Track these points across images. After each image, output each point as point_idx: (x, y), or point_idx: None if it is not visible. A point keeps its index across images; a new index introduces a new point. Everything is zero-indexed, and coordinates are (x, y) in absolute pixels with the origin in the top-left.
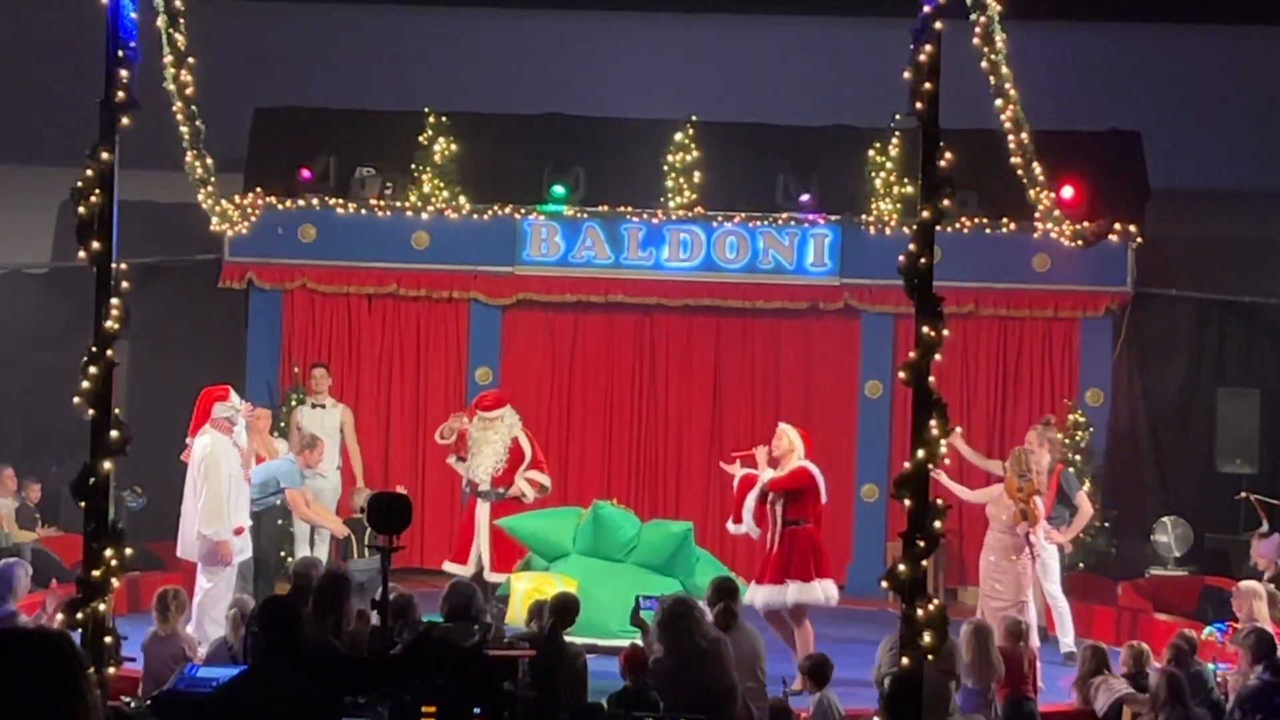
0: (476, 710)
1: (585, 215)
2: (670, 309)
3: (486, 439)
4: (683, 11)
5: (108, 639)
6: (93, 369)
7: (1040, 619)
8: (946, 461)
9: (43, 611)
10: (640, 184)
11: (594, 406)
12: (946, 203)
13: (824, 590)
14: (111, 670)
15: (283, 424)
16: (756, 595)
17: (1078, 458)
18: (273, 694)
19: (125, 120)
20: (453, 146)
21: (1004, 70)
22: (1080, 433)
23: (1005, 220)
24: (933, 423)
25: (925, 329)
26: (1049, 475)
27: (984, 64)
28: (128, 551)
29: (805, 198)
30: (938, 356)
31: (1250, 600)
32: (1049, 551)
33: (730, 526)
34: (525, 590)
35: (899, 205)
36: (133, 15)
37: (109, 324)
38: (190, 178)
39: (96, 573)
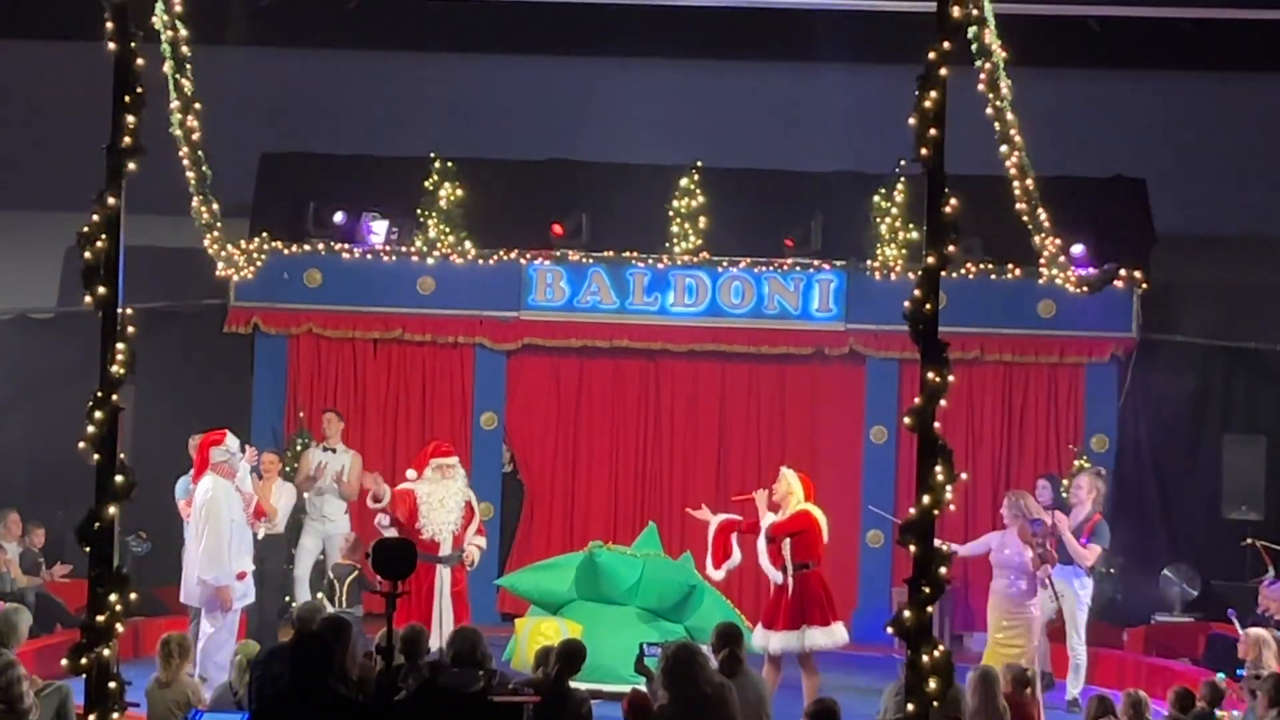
0: None
1: (590, 260)
2: (675, 354)
3: (447, 493)
4: (688, 57)
5: (112, 684)
6: (98, 414)
7: (1045, 664)
8: (951, 508)
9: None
10: (646, 229)
11: (599, 451)
12: (952, 248)
13: (841, 634)
14: (115, 716)
15: (287, 469)
16: (771, 640)
17: None
18: None
19: (132, 165)
20: (458, 192)
21: (1009, 117)
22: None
23: (1010, 266)
24: (938, 469)
25: (930, 374)
26: (1085, 523)
27: (989, 110)
28: (132, 596)
29: (789, 244)
30: (943, 402)
31: (1259, 647)
32: (1078, 602)
33: (711, 572)
34: (530, 634)
35: (904, 251)
36: (140, 61)
37: (114, 369)
38: (196, 223)
39: (101, 618)
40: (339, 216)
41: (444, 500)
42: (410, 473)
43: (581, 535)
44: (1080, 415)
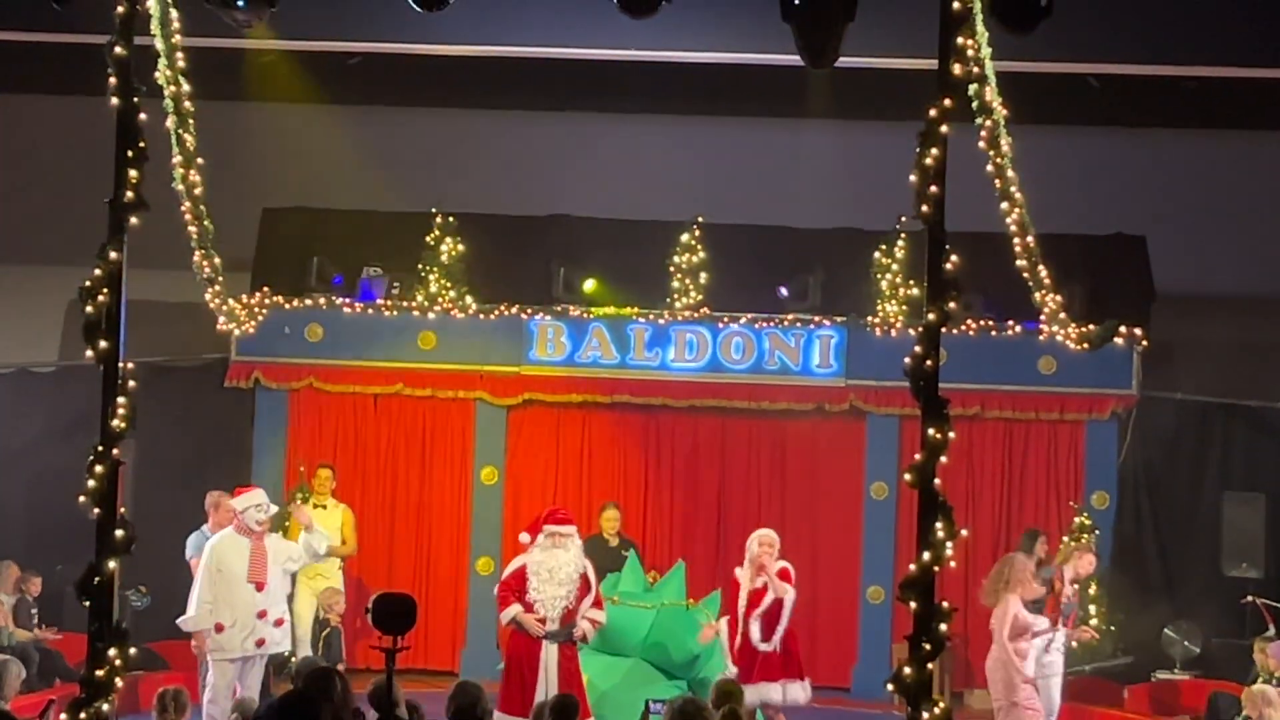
0: None
1: (591, 315)
2: (676, 409)
3: (558, 562)
4: (689, 114)
5: None
6: (99, 468)
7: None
8: (952, 564)
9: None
10: (646, 285)
11: (599, 506)
12: (952, 305)
13: (809, 691)
14: None
15: (286, 524)
16: (771, 693)
17: None
18: None
19: (134, 220)
20: (459, 246)
21: (1010, 174)
22: (1086, 536)
23: (1010, 323)
24: (938, 525)
25: (931, 431)
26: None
27: (989, 167)
28: (131, 651)
29: (783, 292)
30: (944, 459)
31: (1261, 706)
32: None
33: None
34: None
35: (905, 307)
36: (142, 116)
37: (115, 423)
38: (198, 277)
39: (100, 672)
40: (337, 280)
41: (554, 571)
42: (524, 537)
43: None
44: (1080, 472)
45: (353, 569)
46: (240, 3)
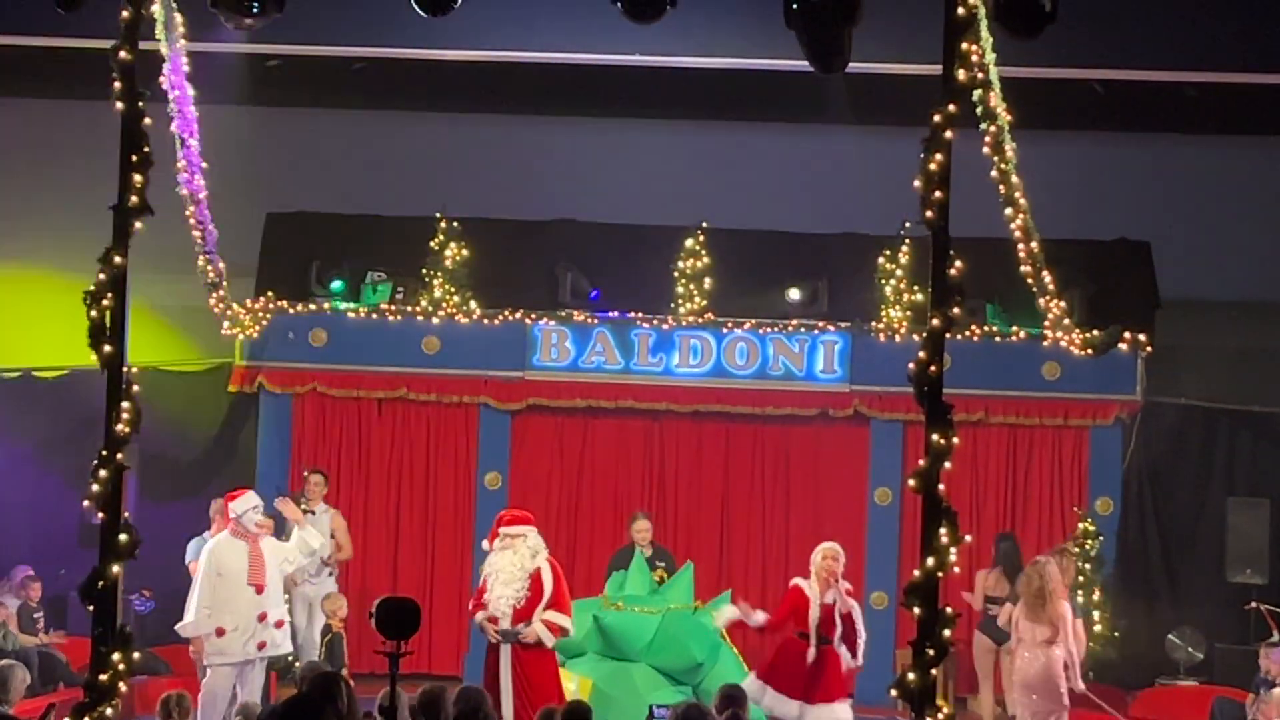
0: None
1: (596, 321)
2: (680, 415)
3: (505, 563)
4: (694, 118)
5: None
6: (103, 472)
7: None
8: (956, 570)
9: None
10: (651, 290)
11: (603, 512)
12: (956, 310)
13: None
14: None
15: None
16: (841, 711)
17: (1088, 566)
18: None
19: (138, 225)
20: (464, 251)
21: (1014, 179)
22: (1090, 541)
23: (1015, 328)
24: (942, 531)
25: (935, 436)
26: None
27: (994, 173)
28: (135, 655)
29: (794, 295)
30: (947, 464)
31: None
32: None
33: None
34: None
35: (909, 313)
36: (147, 120)
37: (120, 427)
38: (202, 282)
39: (104, 677)
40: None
41: (500, 572)
42: (485, 545)
43: (584, 595)
44: (1084, 478)
45: (356, 574)
46: (254, 8)
